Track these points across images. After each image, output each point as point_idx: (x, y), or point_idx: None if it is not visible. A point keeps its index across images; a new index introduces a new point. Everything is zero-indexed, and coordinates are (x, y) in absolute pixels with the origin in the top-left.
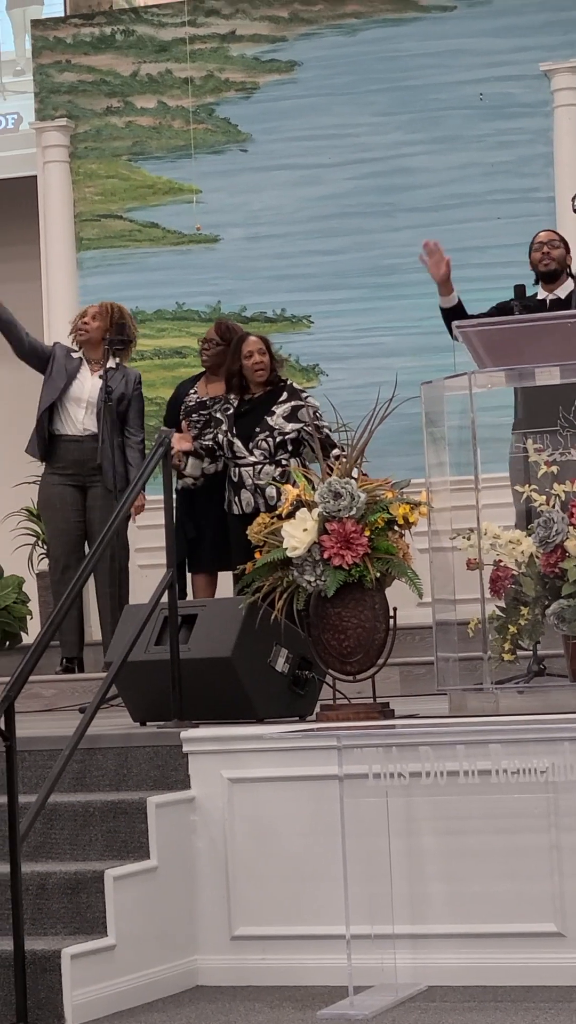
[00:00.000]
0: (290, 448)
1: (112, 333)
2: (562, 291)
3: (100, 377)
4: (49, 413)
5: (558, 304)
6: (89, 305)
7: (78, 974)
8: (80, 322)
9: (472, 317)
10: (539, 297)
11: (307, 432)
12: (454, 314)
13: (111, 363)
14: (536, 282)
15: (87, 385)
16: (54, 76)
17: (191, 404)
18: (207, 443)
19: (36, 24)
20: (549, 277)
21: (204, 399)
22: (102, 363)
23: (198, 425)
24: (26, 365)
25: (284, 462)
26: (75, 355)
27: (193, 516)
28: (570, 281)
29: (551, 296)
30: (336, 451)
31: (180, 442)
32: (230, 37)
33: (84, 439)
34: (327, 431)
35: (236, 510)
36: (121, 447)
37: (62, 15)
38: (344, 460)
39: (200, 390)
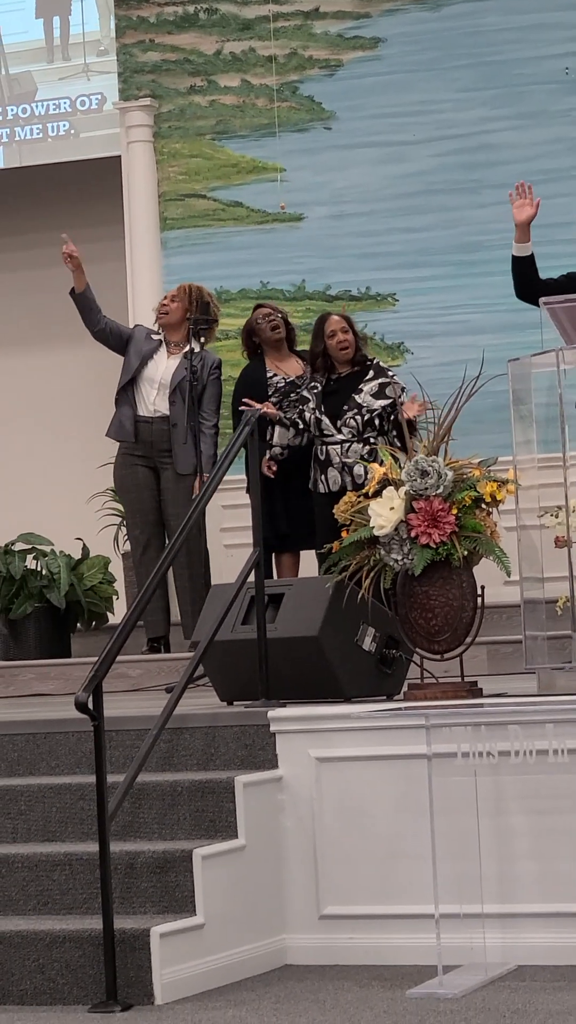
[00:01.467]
0: (377, 425)
1: (195, 312)
2: None
3: (185, 357)
4: (125, 394)
5: None
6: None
7: (167, 953)
8: (160, 305)
9: (539, 278)
10: None
11: (388, 413)
12: (524, 265)
13: (194, 346)
14: None
15: (162, 367)
16: (138, 56)
17: (281, 385)
18: (292, 416)
19: (120, 4)
20: None
21: (292, 379)
22: (182, 345)
23: (294, 403)
24: (103, 348)
25: (372, 440)
26: (155, 337)
27: (276, 496)
28: None
29: None
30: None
31: (266, 407)
32: (313, 14)
33: (155, 420)
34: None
35: (322, 488)
36: (195, 431)
37: None
38: (430, 436)
39: (278, 371)
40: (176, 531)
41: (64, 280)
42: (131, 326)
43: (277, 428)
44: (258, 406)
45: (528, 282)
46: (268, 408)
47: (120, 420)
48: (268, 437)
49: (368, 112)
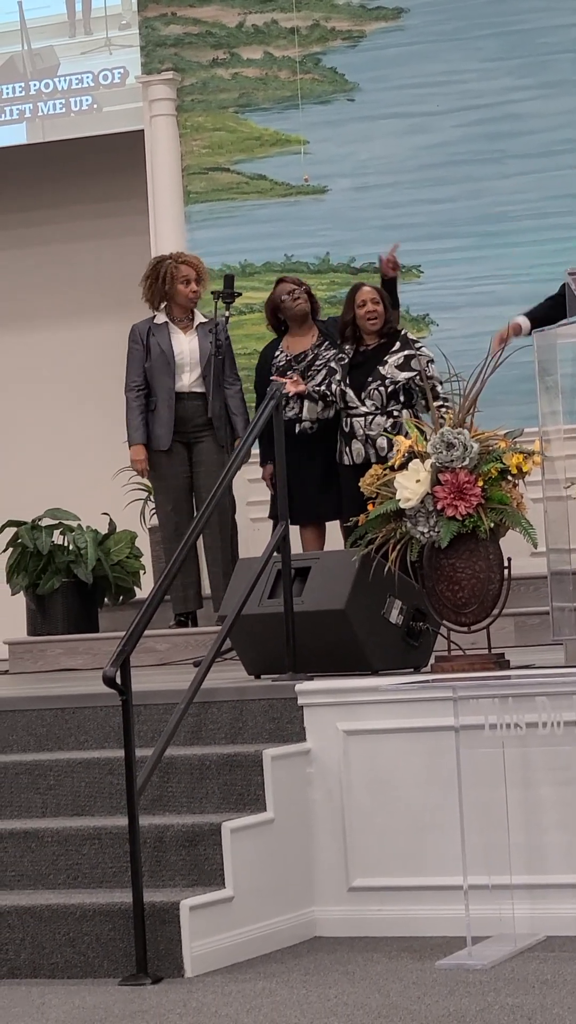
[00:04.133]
0: (402, 398)
1: (222, 286)
2: None
3: (201, 332)
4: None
5: None
6: (169, 260)
7: (197, 926)
8: (191, 293)
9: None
10: None
11: (417, 384)
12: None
13: (201, 318)
14: None
15: (184, 346)
16: (159, 29)
17: (280, 364)
18: (320, 388)
19: None
20: None
21: (291, 357)
22: (189, 320)
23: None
24: (129, 321)
25: (396, 413)
26: (158, 321)
27: (300, 467)
28: None
29: None
30: (438, 402)
31: (293, 386)
32: None
33: (187, 396)
34: (435, 382)
35: (347, 460)
36: (224, 402)
37: None
38: (449, 410)
39: (287, 349)
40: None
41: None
42: (129, 345)
43: (306, 402)
44: (289, 385)
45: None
46: (294, 387)
47: (153, 427)
48: (297, 411)
49: (391, 83)
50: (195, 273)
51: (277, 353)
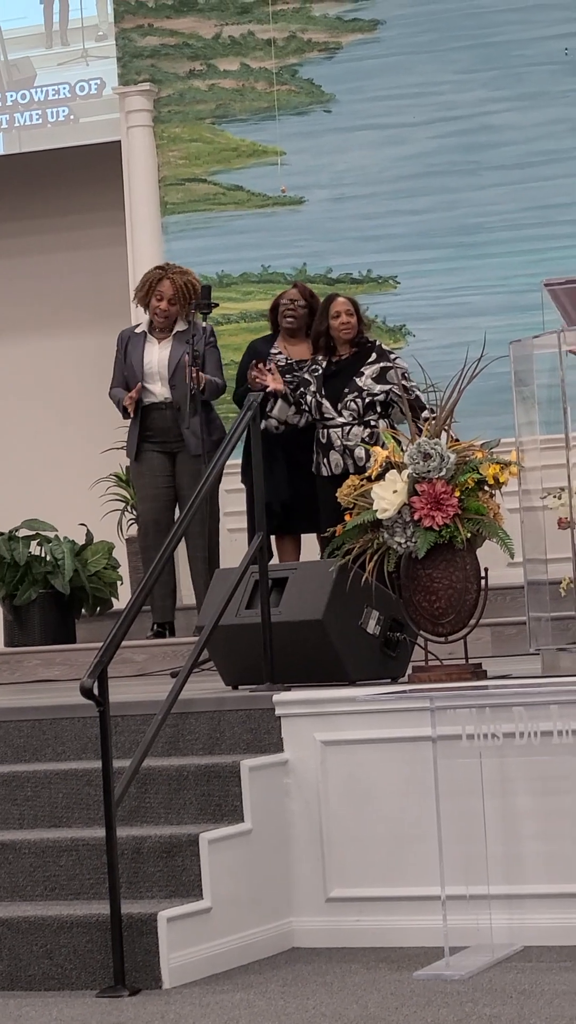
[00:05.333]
0: (379, 409)
1: (196, 299)
2: None
3: (177, 341)
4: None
5: None
6: (155, 275)
7: (174, 937)
8: (158, 308)
9: None
10: None
11: (396, 394)
12: None
13: (181, 326)
14: None
15: (155, 357)
16: (136, 40)
17: (282, 365)
18: (296, 395)
19: None
20: None
21: (292, 361)
22: (169, 330)
23: (292, 386)
24: (106, 333)
25: (373, 423)
26: (138, 330)
27: (276, 479)
28: None
29: None
30: (427, 412)
31: (273, 381)
32: None
33: (156, 406)
34: (416, 392)
35: (325, 472)
36: (204, 410)
37: None
38: (434, 421)
39: (285, 351)
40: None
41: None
42: (116, 348)
43: (279, 401)
44: (269, 378)
45: None
46: (274, 382)
47: (130, 437)
48: (268, 408)
49: (368, 94)
50: (172, 292)
51: (275, 352)
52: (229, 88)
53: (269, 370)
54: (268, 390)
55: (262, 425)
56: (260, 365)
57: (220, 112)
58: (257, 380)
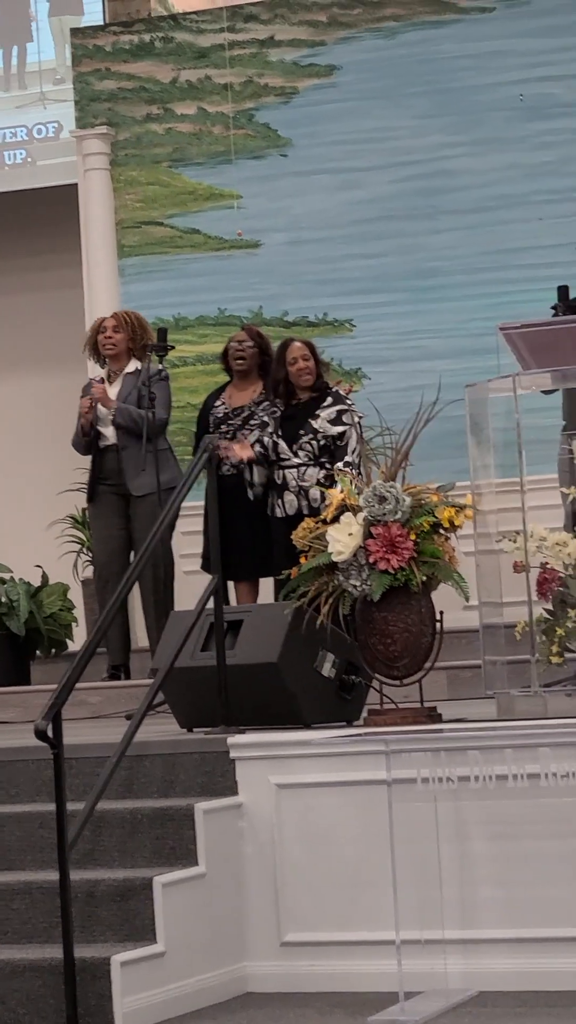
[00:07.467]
0: (334, 452)
1: (149, 340)
2: None
3: (144, 384)
4: (95, 430)
5: None
6: (98, 320)
7: (128, 981)
8: (104, 339)
9: None
10: None
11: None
12: None
13: (130, 368)
14: None
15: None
16: (94, 84)
17: (219, 415)
18: (259, 450)
19: (75, 32)
20: None
21: (228, 411)
22: (121, 371)
23: (228, 436)
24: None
25: (328, 465)
26: (98, 380)
27: (231, 523)
28: None
29: None
30: (340, 464)
31: (243, 450)
32: (269, 42)
33: (108, 449)
34: (356, 448)
35: (279, 512)
36: (148, 451)
37: (101, 23)
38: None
39: (228, 400)
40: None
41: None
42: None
43: (255, 468)
44: (236, 449)
45: None
46: (243, 452)
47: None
48: (249, 476)
49: (324, 139)
50: (114, 322)
51: (217, 403)
52: (186, 132)
53: (232, 438)
54: (241, 460)
55: (250, 495)
56: (222, 443)
57: (177, 156)
58: (228, 457)
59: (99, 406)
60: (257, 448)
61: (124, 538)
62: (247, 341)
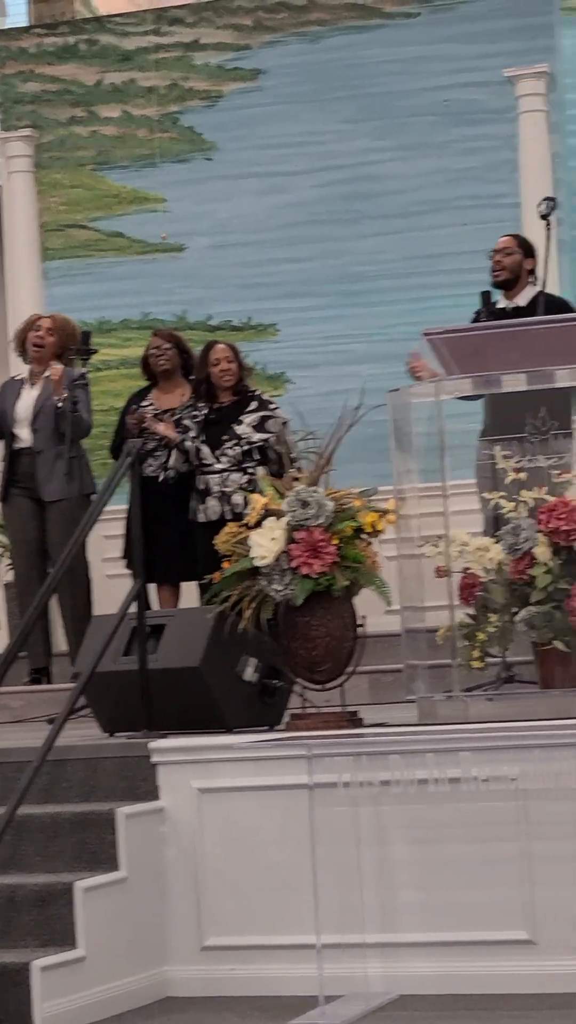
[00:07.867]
0: (256, 457)
1: (76, 344)
2: (522, 299)
3: (47, 385)
4: (11, 433)
5: (518, 312)
6: (35, 316)
7: (48, 986)
8: (35, 336)
9: None
10: (499, 306)
11: (274, 448)
12: None
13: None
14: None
15: (25, 401)
16: (17, 86)
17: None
18: (188, 444)
19: (0, 34)
20: (504, 286)
21: (158, 412)
22: (42, 369)
23: (156, 438)
24: None
25: (250, 470)
26: (18, 378)
27: (153, 527)
28: (531, 287)
29: (511, 304)
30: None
31: (165, 428)
32: (194, 46)
33: (24, 452)
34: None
35: (202, 518)
36: (64, 456)
37: (25, 25)
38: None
39: (157, 401)
40: (57, 560)
41: None
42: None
43: (173, 452)
44: (162, 427)
45: None
46: (166, 429)
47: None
48: (165, 460)
49: (250, 143)
50: (50, 324)
51: (146, 404)
52: (110, 135)
53: (161, 419)
54: (159, 434)
55: (160, 477)
56: (148, 417)
57: (101, 159)
58: (152, 429)
59: (16, 409)
60: (186, 444)
61: (39, 541)
62: (164, 344)
